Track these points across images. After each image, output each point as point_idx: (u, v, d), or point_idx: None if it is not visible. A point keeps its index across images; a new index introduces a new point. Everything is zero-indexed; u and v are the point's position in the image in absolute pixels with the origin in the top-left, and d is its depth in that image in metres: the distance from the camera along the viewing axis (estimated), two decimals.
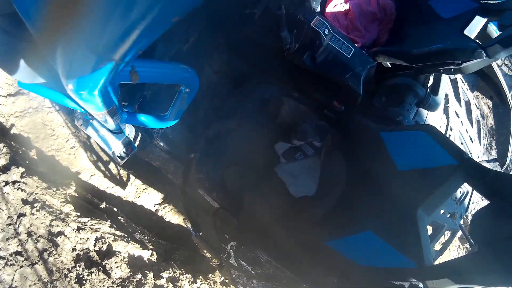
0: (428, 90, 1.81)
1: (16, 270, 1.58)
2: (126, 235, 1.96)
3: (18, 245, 1.62)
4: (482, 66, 1.71)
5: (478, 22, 1.72)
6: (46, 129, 2.04)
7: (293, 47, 1.68)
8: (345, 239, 1.49)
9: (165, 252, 2.12)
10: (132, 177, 2.25)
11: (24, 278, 1.59)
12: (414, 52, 1.72)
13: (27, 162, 1.85)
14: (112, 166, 2.23)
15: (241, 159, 1.67)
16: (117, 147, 1.58)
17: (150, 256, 1.98)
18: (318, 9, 1.99)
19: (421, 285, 1.40)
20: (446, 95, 1.95)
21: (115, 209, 2.11)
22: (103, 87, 1.20)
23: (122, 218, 2.08)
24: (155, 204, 2.31)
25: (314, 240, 1.51)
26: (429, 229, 1.74)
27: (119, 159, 1.60)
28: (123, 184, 2.21)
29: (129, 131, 1.70)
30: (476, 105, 2.23)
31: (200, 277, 2.11)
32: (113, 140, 1.58)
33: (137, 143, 1.77)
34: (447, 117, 1.93)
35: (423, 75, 1.86)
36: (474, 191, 1.70)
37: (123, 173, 2.25)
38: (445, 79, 1.88)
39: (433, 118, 1.87)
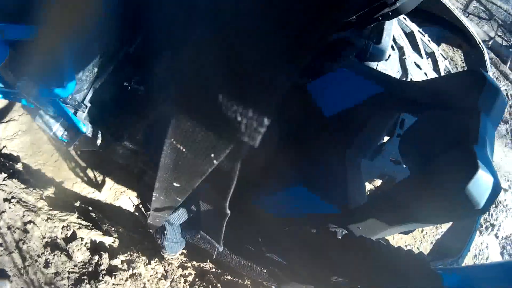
0: (368, 40, 1.68)
1: None
2: (91, 225, 2.02)
3: None
4: (420, 1, 1.57)
5: None
6: (33, 147, 2.22)
7: None
8: (272, 196, 1.39)
9: (130, 241, 2.13)
10: (111, 182, 2.34)
11: (2, 265, 1.69)
12: None
13: (10, 170, 2.01)
14: (93, 174, 2.35)
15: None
16: (56, 129, 1.69)
17: (112, 242, 2.01)
18: None
19: (343, 231, 1.23)
20: (401, 48, 1.79)
21: (90, 208, 2.19)
22: None
23: (94, 214, 2.14)
24: (133, 205, 2.34)
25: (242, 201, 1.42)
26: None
27: (65, 144, 1.70)
28: (100, 188, 2.30)
29: (87, 128, 1.81)
30: (443, 56, 1.99)
31: (156, 259, 2.05)
32: (52, 123, 1.70)
33: (98, 141, 1.87)
34: (405, 70, 1.75)
35: (366, 29, 1.74)
36: None
37: (102, 178, 2.35)
38: (388, 26, 1.74)
39: (387, 72, 1.71)
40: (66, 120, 1.72)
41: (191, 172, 0.70)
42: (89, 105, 1.81)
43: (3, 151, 2.14)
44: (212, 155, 0.61)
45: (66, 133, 1.71)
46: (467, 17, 4.82)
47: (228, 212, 0.92)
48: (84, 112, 1.80)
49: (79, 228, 1.94)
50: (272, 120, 0.55)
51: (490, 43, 4.76)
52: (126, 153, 1.98)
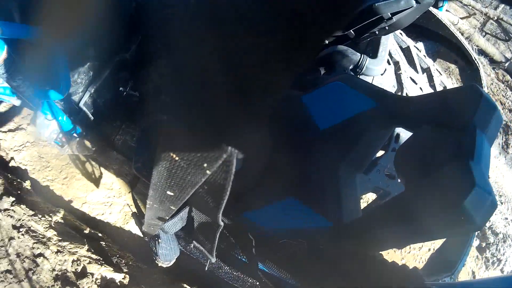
0: (364, 55, 1.71)
1: (5, 286, 1.69)
2: (101, 259, 1.98)
3: (8, 265, 1.75)
4: (417, 16, 1.60)
5: None
6: (41, 161, 2.18)
7: None
8: (264, 208, 1.35)
9: (141, 276, 2.09)
10: (121, 204, 2.31)
11: None
12: None
13: (19, 192, 1.97)
14: (104, 194, 2.30)
15: None
16: (50, 131, 1.68)
17: (122, 278, 1.97)
18: None
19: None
20: (397, 63, 1.82)
21: (99, 234, 2.14)
22: None
23: (104, 243, 2.11)
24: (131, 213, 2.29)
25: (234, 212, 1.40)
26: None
27: (57, 146, 1.69)
28: (110, 210, 2.27)
29: (81, 132, 1.80)
30: (438, 71, 2.02)
31: None
32: (47, 125, 1.69)
33: (93, 146, 1.87)
34: (401, 84, 1.78)
35: (363, 44, 1.77)
36: None
37: (113, 201, 2.31)
38: (385, 41, 1.77)
39: (383, 86, 1.73)
40: (60, 123, 1.71)
41: (184, 181, 0.70)
42: (83, 108, 1.81)
43: (11, 164, 2.12)
44: (205, 165, 0.61)
45: (60, 136, 1.70)
46: (483, 36, 4.84)
47: (221, 223, 0.91)
48: (78, 116, 1.80)
49: (89, 262, 1.91)
50: (265, 130, 0.55)
51: (506, 64, 4.76)
52: (120, 159, 1.98)
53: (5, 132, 2.18)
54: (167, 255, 1.78)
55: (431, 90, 1.92)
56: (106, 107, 1.93)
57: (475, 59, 1.85)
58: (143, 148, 1.72)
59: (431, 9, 1.98)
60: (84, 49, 1.74)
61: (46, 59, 1.53)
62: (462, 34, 4.00)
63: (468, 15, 4.46)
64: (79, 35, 1.68)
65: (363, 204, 2.32)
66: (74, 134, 1.78)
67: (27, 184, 2.05)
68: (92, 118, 1.86)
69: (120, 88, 1.91)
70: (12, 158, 2.14)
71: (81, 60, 1.76)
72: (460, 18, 4.11)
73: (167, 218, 1.06)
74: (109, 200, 2.31)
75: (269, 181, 1.42)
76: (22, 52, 1.47)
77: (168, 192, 0.79)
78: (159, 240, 1.58)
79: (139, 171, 1.71)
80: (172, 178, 0.72)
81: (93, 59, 1.79)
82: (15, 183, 2.02)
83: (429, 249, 2.45)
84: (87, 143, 1.86)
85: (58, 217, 2.01)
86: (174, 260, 1.90)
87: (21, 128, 2.21)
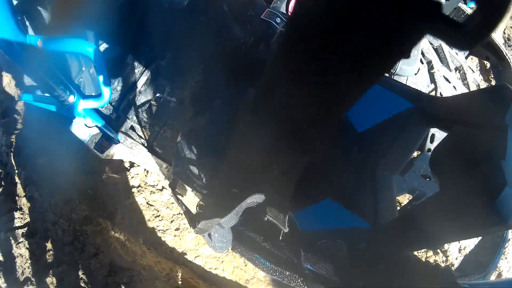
0: None
1: None
2: None
3: None
4: (447, 13, 1.69)
5: None
6: (151, 210, 2.22)
7: (248, 41, 1.87)
8: (303, 211, 1.45)
9: None
10: (231, 262, 2.29)
11: None
12: None
13: (136, 257, 2.00)
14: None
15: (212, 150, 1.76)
16: (90, 138, 1.81)
17: None
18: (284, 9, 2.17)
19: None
20: (430, 62, 1.93)
21: None
22: None
23: None
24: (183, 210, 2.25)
25: None
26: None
27: (96, 152, 1.83)
28: (222, 263, 2.27)
29: (120, 137, 1.96)
30: (471, 69, 2.11)
31: None
32: (86, 132, 1.81)
33: (131, 151, 2.03)
34: (434, 83, 1.88)
35: None
36: None
37: (224, 259, 2.30)
38: None
39: (417, 86, 1.84)
40: (100, 129, 1.83)
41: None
42: (122, 114, 1.97)
43: (117, 214, 2.15)
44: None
45: (99, 142, 1.84)
46: None
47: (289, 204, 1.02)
48: (117, 122, 1.96)
49: None
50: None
51: None
52: (158, 163, 2.12)
53: (106, 174, 2.21)
54: (222, 247, 1.90)
55: (464, 89, 2.01)
56: (144, 113, 2.10)
57: (506, 55, 1.93)
58: (183, 153, 1.87)
59: (460, 5, 2.05)
60: (122, 57, 1.92)
61: (87, 68, 1.68)
62: None
63: None
64: (118, 44, 1.85)
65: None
66: (114, 140, 1.93)
67: (140, 243, 2.10)
68: (131, 124, 2.03)
69: (158, 94, 2.08)
70: (117, 206, 2.17)
71: (119, 67, 1.93)
72: None
73: (226, 213, 1.18)
74: (220, 255, 2.31)
75: (307, 183, 1.53)
76: (63, 63, 1.62)
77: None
78: (216, 235, 1.71)
79: (178, 175, 1.86)
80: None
81: (131, 67, 1.97)
82: (128, 244, 2.06)
83: (460, 248, 2.45)
84: (126, 149, 2.00)
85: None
86: (228, 249, 2.00)
87: (124, 170, 2.25)
